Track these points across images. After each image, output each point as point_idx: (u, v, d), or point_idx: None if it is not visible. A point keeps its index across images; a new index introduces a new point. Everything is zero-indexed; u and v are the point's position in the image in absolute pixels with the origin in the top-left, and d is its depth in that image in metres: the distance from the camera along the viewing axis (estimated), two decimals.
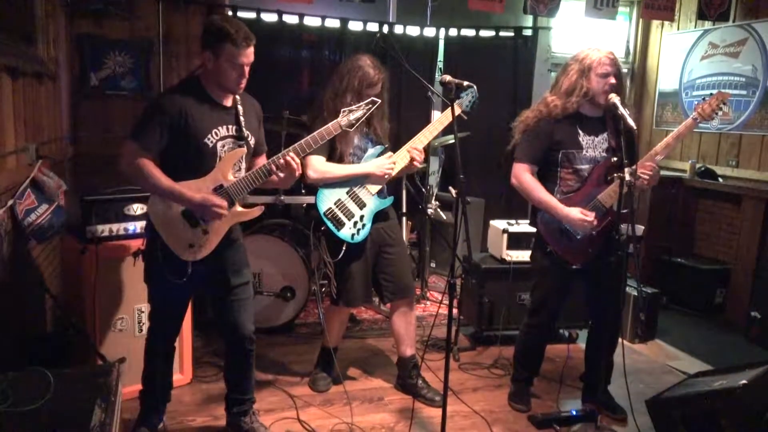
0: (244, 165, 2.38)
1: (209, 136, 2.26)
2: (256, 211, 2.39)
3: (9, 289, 2.38)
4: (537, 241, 2.93)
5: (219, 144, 2.29)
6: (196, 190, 2.22)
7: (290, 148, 2.34)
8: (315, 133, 2.35)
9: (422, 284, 4.66)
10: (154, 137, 2.19)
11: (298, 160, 2.34)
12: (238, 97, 2.36)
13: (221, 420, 2.71)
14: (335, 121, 2.38)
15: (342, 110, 2.40)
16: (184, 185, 2.21)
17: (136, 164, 2.18)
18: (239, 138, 2.34)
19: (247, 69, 2.26)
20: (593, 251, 2.76)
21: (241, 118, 2.34)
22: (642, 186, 2.68)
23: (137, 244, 2.72)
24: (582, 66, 2.66)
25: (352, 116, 2.38)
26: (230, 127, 2.32)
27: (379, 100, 2.46)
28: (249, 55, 2.23)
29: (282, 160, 2.31)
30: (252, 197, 3.88)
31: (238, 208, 2.35)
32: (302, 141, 2.35)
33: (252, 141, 2.39)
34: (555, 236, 2.80)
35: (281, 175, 2.35)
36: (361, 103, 2.41)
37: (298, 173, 2.37)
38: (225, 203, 2.25)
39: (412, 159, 2.91)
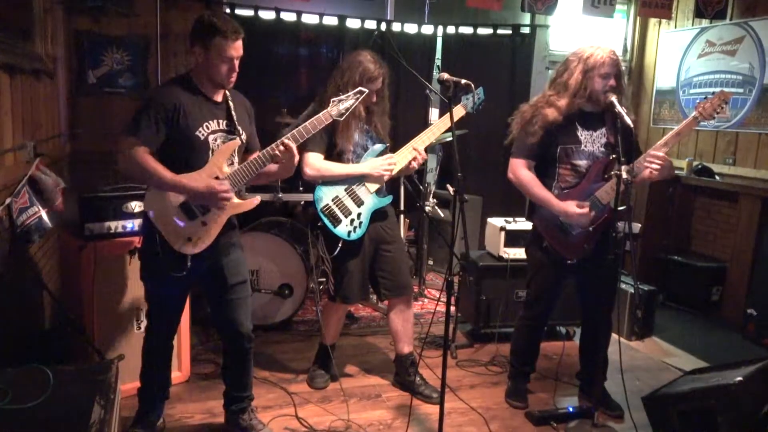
0: (237, 159, 2.39)
1: (200, 129, 2.28)
2: (254, 201, 2.40)
3: (7, 286, 2.38)
4: (533, 235, 2.94)
5: (211, 137, 2.30)
6: (195, 181, 2.23)
7: (286, 135, 2.35)
8: (307, 123, 2.37)
9: (420, 282, 4.67)
10: (150, 131, 2.19)
11: (294, 146, 2.35)
12: (228, 93, 2.38)
13: (219, 417, 2.72)
14: (325, 111, 2.39)
15: (332, 100, 2.41)
16: (184, 177, 2.22)
17: (136, 159, 2.16)
18: (231, 132, 2.36)
19: (236, 63, 2.28)
20: (589, 247, 2.77)
21: (233, 113, 2.36)
22: (652, 176, 2.64)
23: (135, 241, 2.74)
24: (586, 66, 2.65)
25: (342, 106, 2.39)
26: (221, 121, 2.35)
27: (367, 90, 2.47)
28: (238, 48, 2.26)
29: (281, 146, 2.31)
30: (250, 194, 3.90)
31: (235, 200, 2.35)
32: (296, 129, 2.36)
33: (243, 137, 2.40)
34: (551, 231, 2.81)
35: (280, 161, 2.35)
36: (350, 93, 2.43)
37: (296, 160, 2.39)
38: (230, 188, 2.26)
39: (412, 159, 2.92)
